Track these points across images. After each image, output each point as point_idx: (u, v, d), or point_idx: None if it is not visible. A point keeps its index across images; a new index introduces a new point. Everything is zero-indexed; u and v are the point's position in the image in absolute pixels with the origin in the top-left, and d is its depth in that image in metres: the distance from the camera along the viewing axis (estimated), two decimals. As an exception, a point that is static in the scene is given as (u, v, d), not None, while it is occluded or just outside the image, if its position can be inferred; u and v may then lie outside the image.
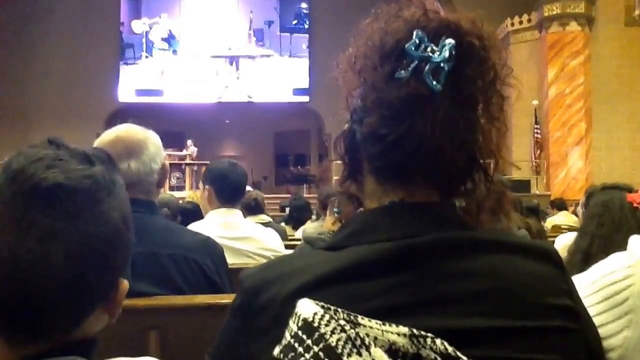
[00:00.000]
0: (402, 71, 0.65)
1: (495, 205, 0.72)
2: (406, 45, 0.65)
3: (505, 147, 0.73)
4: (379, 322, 0.56)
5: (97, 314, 0.68)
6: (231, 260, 2.09)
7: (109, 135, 1.56)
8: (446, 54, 0.65)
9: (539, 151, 12.50)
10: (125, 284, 0.71)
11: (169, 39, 17.42)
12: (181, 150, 13.74)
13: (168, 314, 1.35)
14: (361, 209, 0.74)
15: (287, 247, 2.70)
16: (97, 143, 1.54)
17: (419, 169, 0.67)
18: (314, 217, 4.74)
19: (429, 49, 0.65)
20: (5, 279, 0.61)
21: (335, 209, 0.76)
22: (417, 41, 0.66)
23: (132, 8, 17.50)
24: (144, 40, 17.42)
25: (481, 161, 0.71)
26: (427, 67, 0.65)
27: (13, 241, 0.61)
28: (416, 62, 0.65)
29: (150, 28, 17.43)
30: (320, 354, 0.54)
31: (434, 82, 0.64)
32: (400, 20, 0.70)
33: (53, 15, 16.31)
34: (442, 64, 0.65)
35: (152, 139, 1.59)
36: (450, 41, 0.66)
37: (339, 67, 0.74)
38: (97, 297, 0.68)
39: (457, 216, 0.70)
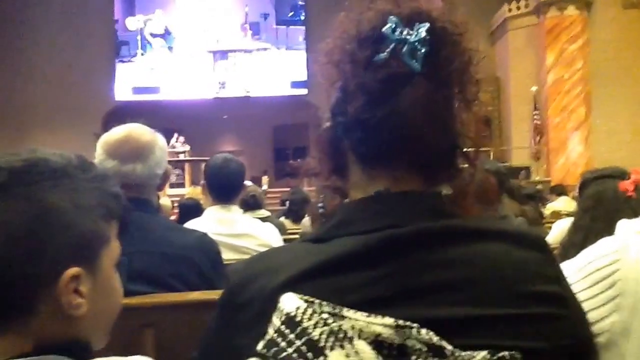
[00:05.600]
0: (381, 54, 0.67)
1: (480, 193, 0.72)
2: (383, 29, 0.67)
3: (488, 134, 0.73)
4: (364, 314, 0.57)
5: (49, 311, 0.67)
6: (229, 256, 2.09)
7: (117, 135, 1.55)
8: (422, 34, 0.66)
9: (538, 137, 12.49)
10: (67, 274, 0.67)
11: (165, 35, 17.37)
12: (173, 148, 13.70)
13: (163, 311, 1.35)
14: (346, 200, 0.75)
15: (286, 241, 2.69)
16: (103, 139, 1.54)
17: (402, 150, 0.68)
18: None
19: (404, 32, 0.67)
20: None
21: (320, 204, 0.76)
22: (393, 25, 0.67)
23: (126, 5, 17.44)
24: (138, 37, 17.37)
25: (463, 147, 0.72)
26: (405, 48, 0.66)
27: None
28: (394, 44, 0.66)
29: (145, 25, 17.38)
30: (303, 348, 0.54)
31: (413, 61, 0.66)
32: (372, 11, 0.71)
33: (46, 14, 16.24)
34: (418, 45, 0.66)
35: (159, 143, 1.58)
36: (424, 24, 0.67)
37: (318, 61, 0.74)
38: (29, 284, 0.66)
39: (443, 205, 0.70)
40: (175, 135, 14.18)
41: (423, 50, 0.67)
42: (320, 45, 0.74)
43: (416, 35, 0.67)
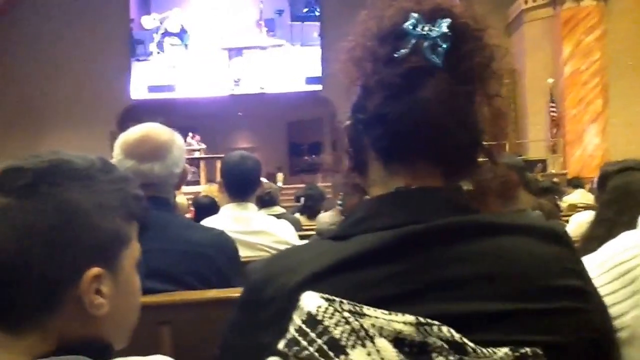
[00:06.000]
0: (401, 50, 0.67)
1: (501, 188, 0.72)
2: (404, 25, 0.68)
3: (508, 129, 0.73)
4: (385, 312, 0.57)
5: (70, 311, 0.67)
6: (245, 254, 2.10)
7: (135, 134, 1.56)
8: (443, 29, 0.67)
9: (555, 130, 12.36)
10: (89, 274, 0.67)
11: (181, 34, 17.44)
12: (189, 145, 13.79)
13: (180, 309, 1.35)
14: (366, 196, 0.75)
15: (301, 237, 2.69)
16: (121, 139, 1.54)
17: (421, 145, 0.68)
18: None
19: (426, 28, 0.67)
20: None
21: (339, 201, 0.76)
22: (415, 21, 0.68)
23: (141, 4, 17.53)
24: (154, 35, 17.45)
25: (484, 143, 0.71)
26: (426, 43, 0.66)
27: None
28: (415, 40, 0.67)
29: (161, 23, 17.45)
30: (324, 347, 0.54)
31: (434, 56, 0.66)
32: (393, 8, 0.71)
33: (61, 14, 16.34)
34: (439, 41, 0.66)
35: (177, 143, 1.59)
36: (446, 20, 0.68)
37: (338, 59, 0.74)
38: (51, 284, 0.66)
39: (463, 200, 0.70)
40: (191, 133, 14.26)
41: (444, 46, 0.67)
42: (341, 43, 0.74)
43: (437, 31, 0.67)
